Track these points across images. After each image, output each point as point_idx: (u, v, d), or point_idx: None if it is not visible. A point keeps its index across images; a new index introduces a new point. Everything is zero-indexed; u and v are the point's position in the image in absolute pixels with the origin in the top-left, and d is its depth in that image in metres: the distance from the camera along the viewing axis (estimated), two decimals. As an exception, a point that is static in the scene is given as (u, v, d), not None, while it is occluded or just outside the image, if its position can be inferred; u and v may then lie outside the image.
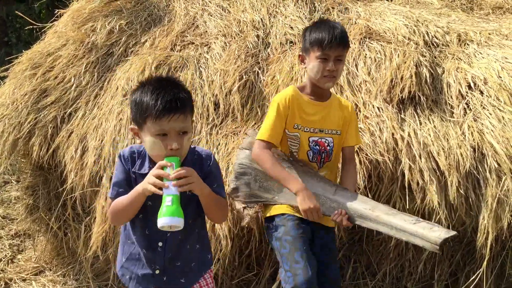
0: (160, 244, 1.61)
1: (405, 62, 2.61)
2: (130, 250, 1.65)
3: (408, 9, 3.18)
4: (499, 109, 2.46)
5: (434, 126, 2.46)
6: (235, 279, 2.55)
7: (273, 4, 3.23)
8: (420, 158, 2.36)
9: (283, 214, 1.99)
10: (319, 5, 3.21)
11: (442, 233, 1.74)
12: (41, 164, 2.88)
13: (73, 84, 2.90)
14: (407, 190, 2.36)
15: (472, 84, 2.57)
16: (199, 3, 3.35)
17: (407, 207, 2.33)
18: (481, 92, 2.55)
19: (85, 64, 2.98)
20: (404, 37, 2.79)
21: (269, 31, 3.05)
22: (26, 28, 4.74)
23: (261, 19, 3.10)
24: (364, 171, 2.36)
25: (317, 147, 2.05)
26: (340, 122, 2.10)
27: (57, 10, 3.54)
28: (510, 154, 2.32)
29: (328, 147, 2.07)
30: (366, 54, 2.74)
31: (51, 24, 3.47)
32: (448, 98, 2.58)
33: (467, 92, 2.57)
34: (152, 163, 1.58)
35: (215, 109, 2.65)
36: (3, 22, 7.68)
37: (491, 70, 2.58)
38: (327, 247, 2.03)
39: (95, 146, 2.58)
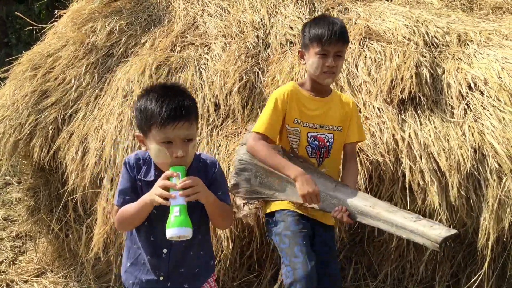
0: (165, 251, 1.61)
1: (405, 63, 2.61)
2: (136, 256, 1.66)
3: (408, 9, 3.18)
4: (499, 109, 2.46)
5: (435, 127, 2.45)
6: (237, 280, 2.55)
7: (273, 5, 3.23)
8: (421, 159, 2.36)
9: (283, 210, 1.99)
10: (319, 5, 3.21)
11: (443, 231, 1.73)
12: (42, 165, 2.88)
13: (73, 85, 2.90)
14: (408, 191, 2.36)
15: (472, 85, 2.57)
16: (199, 4, 3.34)
17: (408, 208, 2.32)
18: (482, 93, 2.55)
19: (85, 65, 2.98)
20: (404, 37, 2.79)
21: (269, 32, 3.05)
22: (26, 29, 4.74)
23: (261, 20, 3.10)
24: (365, 172, 2.36)
25: (316, 142, 2.04)
26: (341, 118, 2.09)
27: (57, 10, 3.53)
28: (510, 155, 2.32)
29: (328, 143, 2.06)
30: (366, 55, 2.74)
31: (51, 25, 3.47)
32: (448, 98, 2.58)
33: (467, 93, 2.56)
34: (158, 170, 1.59)
35: (215, 110, 2.65)
36: (3, 23, 7.67)
37: (491, 71, 2.58)
38: (327, 245, 2.03)
39: (95, 147, 2.58)
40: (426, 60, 2.66)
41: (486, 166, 2.33)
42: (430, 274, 2.62)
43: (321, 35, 1.96)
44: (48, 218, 2.96)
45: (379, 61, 2.69)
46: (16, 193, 4.05)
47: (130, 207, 1.56)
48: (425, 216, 2.27)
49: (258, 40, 2.97)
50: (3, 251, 3.24)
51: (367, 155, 2.39)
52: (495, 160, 2.33)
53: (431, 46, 2.83)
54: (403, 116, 2.52)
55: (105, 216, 2.47)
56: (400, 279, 2.66)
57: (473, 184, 2.35)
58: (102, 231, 2.45)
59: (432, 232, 1.74)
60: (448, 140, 2.41)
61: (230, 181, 2.09)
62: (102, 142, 2.60)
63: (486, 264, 2.31)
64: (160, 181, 1.49)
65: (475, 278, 2.38)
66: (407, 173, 2.35)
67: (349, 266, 2.65)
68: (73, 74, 2.95)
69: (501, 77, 2.54)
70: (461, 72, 2.63)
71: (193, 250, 1.65)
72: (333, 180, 2.00)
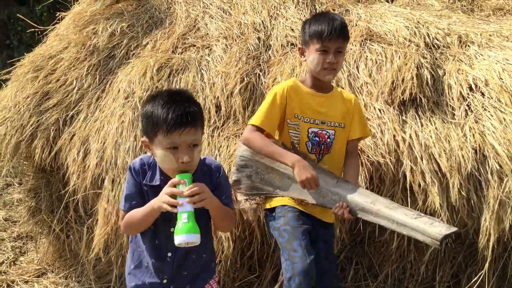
0: (169, 254, 1.63)
1: (406, 64, 2.61)
2: (139, 259, 1.67)
3: (409, 11, 3.18)
4: (500, 110, 2.46)
5: (436, 128, 2.46)
6: (237, 281, 2.55)
7: (274, 6, 3.23)
8: (422, 160, 2.36)
9: (284, 206, 1.99)
10: (319, 7, 3.21)
11: (443, 229, 1.73)
12: (43, 166, 2.89)
13: (75, 87, 2.91)
14: (408, 191, 2.36)
15: (473, 86, 2.58)
16: (200, 6, 3.35)
17: (409, 209, 2.33)
18: (482, 94, 2.55)
19: (87, 66, 2.99)
20: (405, 39, 2.80)
21: (270, 33, 3.06)
22: (27, 31, 4.75)
23: (262, 21, 3.11)
24: (366, 173, 2.36)
25: (316, 138, 2.03)
26: (343, 115, 2.08)
27: (59, 13, 3.55)
28: (511, 156, 2.32)
29: (329, 139, 2.05)
30: (367, 56, 2.75)
31: (52, 27, 3.49)
32: (449, 99, 2.58)
33: (468, 94, 2.57)
34: (163, 175, 1.61)
35: (216, 112, 2.66)
36: (4, 25, 7.69)
37: (492, 72, 2.58)
38: (326, 243, 2.03)
39: (97, 148, 2.59)
40: (427, 62, 2.66)
41: (487, 167, 2.33)
42: (431, 275, 2.61)
43: (321, 31, 1.95)
44: (49, 219, 2.96)
45: (380, 63, 2.69)
46: (17, 194, 4.06)
47: (137, 212, 1.58)
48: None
49: (259, 42, 2.98)
50: (4, 252, 3.24)
51: (368, 156, 2.39)
52: (496, 161, 2.33)
53: (432, 47, 2.83)
54: (404, 117, 2.52)
55: (106, 217, 2.47)
56: (400, 280, 2.66)
57: (474, 185, 2.35)
58: (103, 231, 2.45)
59: (432, 229, 1.73)
60: (449, 141, 2.41)
61: (232, 177, 2.09)
62: (104, 143, 2.61)
63: (487, 264, 2.31)
64: (167, 189, 1.50)
65: (475, 278, 2.38)
66: (408, 174, 2.35)
67: (350, 266, 2.65)
68: (75, 75, 2.96)
69: (502, 78, 2.55)
70: (462, 73, 2.64)
71: (196, 253, 1.66)
72: (334, 176, 1.99)
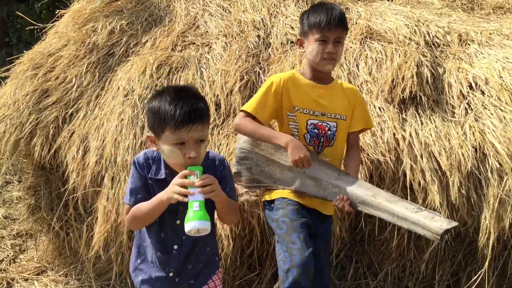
0: (175, 247, 1.64)
1: (406, 62, 2.61)
2: (145, 253, 1.68)
3: (409, 9, 3.18)
4: (500, 109, 2.46)
5: (436, 126, 2.46)
6: (237, 279, 2.55)
7: (274, 4, 3.23)
8: (422, 158, 2.36)
9: (283, 198, 1.99)
10: (320, 5, 3.21)
11: (444, 223, 1.73)
12: (43, 164, 2.89)
13: (74, 85, 2.91)
14: (408, 190, 2.36)
15: (473, 84, 2.57)
16: (199, 3, 3.35)
17: (409, 207, 2.33)
18: (482, 92, 2.55)
19: (86, 64, 2.98)
20: (405, 37, 2.79)
21: (270, 31, 3.06)
22: (27, 29, 4.73)
23: (262, 19, 3.11)
24: (366, 171, 2.36)
25: (315, 130, 2.01)
26: (345, 106, 2.06)
27: (58, 10, 3.54)
28: (511, 154, 2.32)
29: (329, 132, 2.03)
30: (367, 54, 2.74)
31: (52, 24, 3.48)
32: (449, 98, 2.58)
33: (468, 92, 2.57)
34: (168, 168, 1.62)
35: (216, 110, 2.65)
36: (3, 22, 7.67)
37: (492, 70, 2.58)
38: (322, 238, 2.03)
39: (96, 146, 2.59)
40: (427, 60, 2.66)
41: (487, 165, 2.33)
42: (431, 273, 2.62)
43: (320, 21, 1.94)
44: (49, 217, 2.96)
45: (380, 61, 2.69)
46: (16, 191, 4.06)
47: (143, 206, 1.58)
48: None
49: (259, 40, 2.97)
50: (4, 250, 3.24)
51: (368, 154, 2.39)
52: (496, 159, 2.33)
53: (432, 45, 2.83)
54: (404, 116, 2.52)
55: (106, 215, 2.47)
56: (400, 278, 2.67)
57: (473, 183, 2.35)
58: (103, 229, 2.45)
59: (433, 224, 1.73)
60: (449, 139, 2.41)
61: (232, 169, 2.09)
62: (103, 141, 2.60)
63: (487, 263, 2.31)
64: (178, 180, 1.51)
65: (475, 277, 2.38)
66: (408, 172, 2.35)
67: (350, 265, 2.65)
68: (74, 73, 2.95)
69: (502, 77, 2.54)
70: (462, 72, 2.64)
71: (200, 246, 1.68)
72: (335, 169, 1.99)
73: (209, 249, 1.72)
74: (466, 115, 2.50)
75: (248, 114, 1.99)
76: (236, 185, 2.16)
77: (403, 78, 2.56)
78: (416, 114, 2.52)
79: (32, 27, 3.60)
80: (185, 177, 1.52)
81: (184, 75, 2.77)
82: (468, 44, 2.84)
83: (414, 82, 2.53)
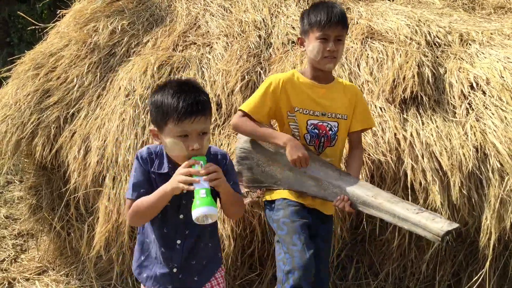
0: (178, 242, 1.64)
1: (407, 62, 2.61)
2: (149, 250, 1.68)
3: (410, 9, 3.18)
4: (501, 109, 2.46)
5: (437, 126, 2.45)
6: (238, 279, 2.55)
7: (275, 4, 3.23)
8: (423, 158, 2.36)
9: (284, 199, 1.99)
10: (321, 5, 3.21)
11: (445, 225, 1.72)
12: (44, 164, 2.89)
13: (75, 85, 2.91)
14: (409, 190, 2.36)
15: (474, 84, 2.57)
16: (201, 3, 3.35)
17: (410, 207, 2.33)
18: (484, 92, 2.55)
19: (88, 64, 2.99)
20: (406, 37, 2.79)
21: (271, 31, 3.06)
22: (28, 29, 4.75)
23: (263, 19, 3.11)
24: (367, 171, 2.36)
25: (316, 130, 2.01)
26: (346, 106, 2.05)
27: (59, 10, 3.55)
28: (512, 154, 2.32)
29: (330, 132, 2.02)
30: (368, 54, 2.74)
31: (53, 24, 3.49)
32: (450, 98, 2.58)
33: (469, 92, 2.56)
34: (171, 163, 1.62)
35: (217, 109, 2.66)
36: (5, 22, 7.68)
37: (493, 70, 2.57)
38: (323, 238, 2.03)
39: (98, 146, 2.59)
40: (428, 60, 2.66)
41: (488, 166, 2.33)
42: (432, 273, 2.62)
43: (321, 19, 1.94)
44: (50, 217, 2.97)
45: (381, 61, 2.69)
46: (18, 191, 4.06)
47: (147, 199, 1.57)
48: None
49: (260, 40, 2.98)
50: (5, 249, 3.25)
51: (369, 154, 2.39)
52: (497, 159, 2.33)
53: (433, 45, 2.83)
54: (405, 116, 2.52)
55: (107, 215, 2.47)
56: (401, 278, 2.67)
57: (475, 183, 2.34)
58: (104, 229, 2.45)
59: (434, 225, 1.73)
60: (450, 139, 2.41)
61: None
62: (104, 141, 2.61)
63: (488, 263, 2.31)
64: (183, 169, 1.52)
65: (476, 277, 2.37)
66: (409, 172, 2.35)
67: (351, 265, 2.66)
68: (76, 73, 2.95)
69: (503, 77, 2.54)
70: (463, 72, 2.63)
71: (203, 242, 1.68)
72: (335, 169, 1.99)
73: (212, 245, 1.73)
74: (467, 115, 2.50)
75: (245, 114, 1.99)
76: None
77: (404, 78, 2.56)
78: (417, 114, 2.52)
79: (34, 27, 3.60)
80: (190, 167, 1.52)
81: (185, 75, 2.77)
82: (469, 44, 2.83)
83: (415, 82, 2.53)
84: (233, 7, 3.27)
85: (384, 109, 2.53)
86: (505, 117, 2.42)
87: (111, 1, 3.44)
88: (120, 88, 2.79)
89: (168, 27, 3.20)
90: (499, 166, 2.31)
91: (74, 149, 2.66)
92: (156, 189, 1.57)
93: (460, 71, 2.64)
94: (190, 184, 1.48)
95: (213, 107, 2.64)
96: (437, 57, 2.76)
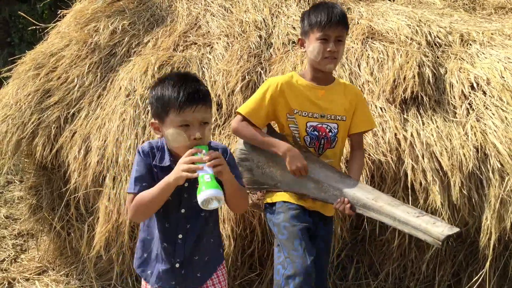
0: (180, 236, 1.64)
1: (408, 62, 2.61)
2: (151, 246, 1.68)
3: (411, 9, 3.18)
4: (502, 109, 2.46)
5: (437, 126, 2.45)
6: (238, 279, 2.55)
7: (276, 4, 3.23)
8: (423, 158, 2.36)
9: (284, 202, 1.98)
10: (321, 5, 3.21)
11: (446, 229, 1.72)
12: (45, 164, 2.89)
13: (76, 85, 2.92)
14: (410, 190, 2.36)
15: (475, 84, 2.57)
16: (201, 4, 3.35)
17: (410, 207, 2.33)
18: (484, 93, 2.55)
19: (88, 64, 2.99)
20: (406, 37, 2.79)
21: (272, 32, 3.06)
22: (29, 29, 4.75)
23: (264, 20, 3.11)
24: (367, 171, 2.36)
25: (315, 132, 2.00)
26: (345, 107, 2.04)
27: (60, 10, 3.55)
28: (513, 154, 2.32)
29: (330, 133, 2.01)
30: (368, 54, 2.74)
31: (54, 24, 3.49)
32: (450, 98, 2.58)
33: (470, 92, 2.56)
34: (173, 156, 1.62)
35: (218, 110, 2.66)
36: (5, 22, 7.69)
37: (494, 70, 2.57)
38: (323, 239, 2.03)
39: (98, 146, 2.59)
40: (428, 60, 2.66)
41: (488, 166, 2.33)
42: (432, 273, 2.62)
43: (321, 19, 1.94)
44: (50, 217, 2.97)
45: (381, 61, 2.69)
46: (18, 191, 4.07)
47: (149, 192, 1.56)
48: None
49: (261, 40, 2.98)
50: (5, 249, 3.25)
51: (369, 155, 2.39)
52: (498, 159, 2.33)
53: (434, 46, 2.83)
54: (405, 116, 2.52)
55: (107, 215, 2.47)
56: (401, 278, 2.67)
57: (475, 184, 2.34)
58: (104, 229, 2.45)
59: (435, 229, 1.72)
60: (450, 139, 2.41)
61: None
62: (105, 141, 2.61)
63: (488, 263, 2.31)
64: (185, 158, 1.51)
65: (476, 277, 2.37)
66: (409, 172, 2.35)
67: (351, 265, 2.65)
68: (76, 73, 2.96)
69: (503, 77, 2.54)
70: (464, 72, 2.63)
71: (206, 237, 1.68)
72: (336, 171, 1.98)
73: (214, 241, 1.73)
74: (467, 115, 2.50)
75: (244, 118, 1.99)
76: None
77: (404, 78, 2.56)
78: (418, 114, 2.52)
79: (34, 27, 3.60)
80: (192, 155, 1.51)
81: (185, 75, 2.77)
82: (470, 44, 2.83)
83: (416, 82, 2.53)
84: (233, 7, 3.27)
85: (385, 109, 2.53)
86: (506, 117, 2.42)
87: (111, 1, 3.44)
88: (120, 88, 2.79)
89: (168, 27, 3.20)
90: (499, 166, 2.31)
91: (75, 149, 2.66)
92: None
93: (460, 71, 2.64)
94: (194, 171, 1.47)
95: (214, 107, 2.64)
96: (438, 57, 2.76)
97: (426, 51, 2.72)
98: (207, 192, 1.43)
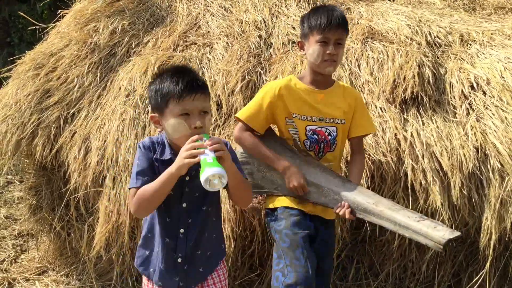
0: (181, 230, 1.64)
1: (408, 62, 2.61)
2: (153, 244, 1.68)
3: (410, 9, 3.18)
4: (502, 109, 2.46)
5: (437, 127, 2.45)
6: (238, 279, 2.55)
7: (275, 4, 3.23)
8: (423, 159, 2.36)
9: (286, 208, 1.98)
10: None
11: (447, 233, 1.71)
12: (44, 164, 2.89)
13: (76, 85, 2.91)
14: (410, 190, 2.36)
15: (474, 85, 2.57)
16: (201, 4, 3.35)
17: (410, 208, 2.32)
18: (484, 93, 2.55)
19: (88, 64, 2.99)
20: (406, 37, 2.79)
21: (272, 32, 3.06)
22: (28, 29, 4.75)
23: (263, 20, 3.11)
24: (367, 171, 2.36)
25: (315, 136, 2.00)
26: (344, 110, 2.03)
27: (60, 10, 3.55)
28: (513, 155, 2.32)
29: (330, 137, 2.01)
30: (368, 55, 2.74)
31: (53, 24, 3.49)
32: (450, 98, 2.58)
33: (469, 93, 2.56)
34: (173, 150, 1.62)
35: (217, 110, 2.66)
36: (5, 22, 7.69)
37: (494, 71, 2.57)
38: (326, 242, 2.03)
39: (98, 146, 2.59)
40: (428, 60, 2.66)
41: (489, 166, 2.33)
42: (432, 274, 2.61)
43: (321, 22, 1.93)
44: (50, 217, 2.97)
45: (381, 61, 2.69)
46: (18, 191, 4.06)
47: (152, 185, 1.55)
48: (427, 216, 2.28)
49: (261, 40, 2.97)
50: (5, 250, 3.25)
51: (369, 155, 2.39)
52: (498, 159, 2.33)
53: (434, 46, 2.83)
54: (405, 116, 2.52)
55: (107, 215, 2.47)
56: (401, 279, 2.66)
57: (475, 184, 2.35)
58: (104, 229, 2.45)
59: (435, 233, 1.72)
60: (450, 139, 2.41)
61: None
62: (105, 141, 2.61)
63: (488, 263, 2.31)
64: (187, 145, 1.50)
65: (476, 278, 2.38)
66: (409, 172, 2.35)
67: (351, 265, 2.65)
68: (76, 73, 2.95)
69: (503, 77, 2.54)
70: (464, 72, 2.63)
71: (207, 231, 1.68)
72: (336, 175, 1.98)
73: (216, 236, 1.73)
74: (467, 115, 2.50)
75: (247, 127, 1.99)
76: None
77: (404, 78, 2.56)
78: (418, 115, 2.52)
79: (34, 27, 3.60)
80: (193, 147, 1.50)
81: (185, 75, 2.77)
82: (470, 45, 2.83)
83: (416, 82, 2.53)
84: (233, 7, 3.27)
85: (385, 110, 2.53)
86: (506, 118, 2.42)
87: (111, 1, 3.44)
88: (120, 88, 2.79)
89: (168, 27, 3.20)
90: (499, 166, 2.31)
91: (74, 149, 2.66)
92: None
93: (460, 72, 2.64)
94: (195, 156, 1.46)
95: (214, 107, 2.64)
96: (438, 58, 2.76)
97: (426, 51, 2.71)
98: (209, 171, 1.41)
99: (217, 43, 2.98)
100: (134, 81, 2.75)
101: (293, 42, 2.93)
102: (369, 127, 2.12)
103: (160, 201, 1.57)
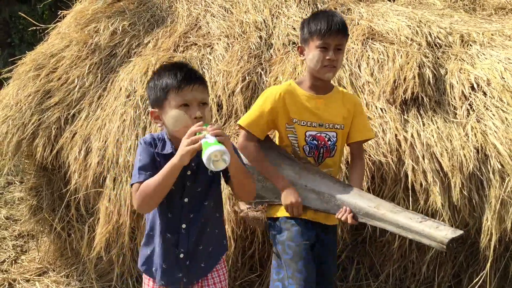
0: (183, 226, 1.64)
1: (408, 63, 2.61)
2: (155, 242, 1.68)
3: (411, 9, 3.18)
4: (502, 110, 2.46)
5: (437, 127, 2.45)
6: (238, 280, 2.55)
7: (276, 5, 3.23)
8: (424, 159, 2.36)
9: (287, 218, 1.97)
10: (321, 6, 3.21)
11: (449, 232, 1.72)
12: (45, 165, 2.89)
13: (76, 85, 2.92)
14: (410, 191, 2.36)
15: (475, 85, 2.57)
16: (201, 4, 3.35)
17: (411, 208, 2.33)
18: (484, 93, 2.55)
19: (89, 65, 2.99)
20: (406, 38, 2.79)
21: (272, 32, 3.06)
22: (29, 29, 4.75)
23: (264, 20, 3.11)
24: (368, 172, 2.35)
25: (314, 142, 1.99)
26: (344, 116, 2.03)
27: (60, 11, 3.55)
28: (513, 155, 2.32)
29: (329, 142, 2.01)
30: (369, 55, 2.74)
31: (54, 25, 3.49)
32: (451, 99, 2.57)
33: (470, 93, 2.56)
34: (174, 144, 1.62)
35: (218, 110, 2.66)
36: (6, 23, 7.70)
37: (494, 71, 2.57)
38: (328, 248, 2.03)
39: (98, 147, 2.59)
40: (429, 61, 2.66)
41: (489, 167, 2.33)
42: (432, 274, 2.61)
43: (321, 27, 1.93)
44: (51, 218, 2.97)
45: (381, 62, 2.69)
46: (18, 192, 4.07)
47: (155, 179, 1.54)
48: (428, 216, 2.28)
49: (261, 41, 2.98)
50: (6, 250, 3.25)
51: (370, 155, 2.39)
52: (498, 160, 2.32)
53: (434, 46, 2.83)
54: (405, 117, 2.52)
55: (108, 216, 2.47)
56: (402, 279, 2.66)
57: (475, 185, 2.34)
58: (105, 230, 2.45)
59: (438, 233, 1.72)
60: (450, 140, 2.41)
61: None
62: (105, 142, 2.61)
63: (488, 264, 2.31)
64: (188, 134, 1.50)
65: (477, 279, 2.38)
66: (410, 173, 2.35)
67: (351, 266, 2.65)
68: (76, 74, 2.96)
69: (504, 78, 2.54)
70: (464, 73, 2.63)
71: (210, 227, 1.68)
72: (336, 181, 1.98)
73: (217, 232, 1.73)
74: (468, 116, 2.49)
75: (250, 136, 1.99)
76: (238, 201, 2.16)
77: (404, 79, 2.56)
78: (418, 115, 2.52)
79: (34, 28, 3.61)
80: (194, 135, 1.50)
81: (186, 76, 2.77)
82: (470, 45, 2.83)
83: (416, 83, 2.53)
84: (234, 8, 3.27)
85: (385, 110, 2.53)
86: (506, 118, 2.42)
87: (112, 2, 3.44)
88: (121, 89, 2.79)
89: (169, 28, 3.20)
90: (499, 167, 2.31)
91: (75, 150, 2.66)
92: None
93: (460, 72, 2.64)
94: (196, 142, 1.45)
95: (214, 108, 2.64)
96: (438, 58, 2.76)
97: (426, 52, 2.71)
98: (210, 149, 1.40)
99: (217, 43, 2.98)
100: (135, 81, 2.76)
101: (294, 43, 2.93)
102: (368, 133, 2.12)
103: (163, 194, 1.56)
